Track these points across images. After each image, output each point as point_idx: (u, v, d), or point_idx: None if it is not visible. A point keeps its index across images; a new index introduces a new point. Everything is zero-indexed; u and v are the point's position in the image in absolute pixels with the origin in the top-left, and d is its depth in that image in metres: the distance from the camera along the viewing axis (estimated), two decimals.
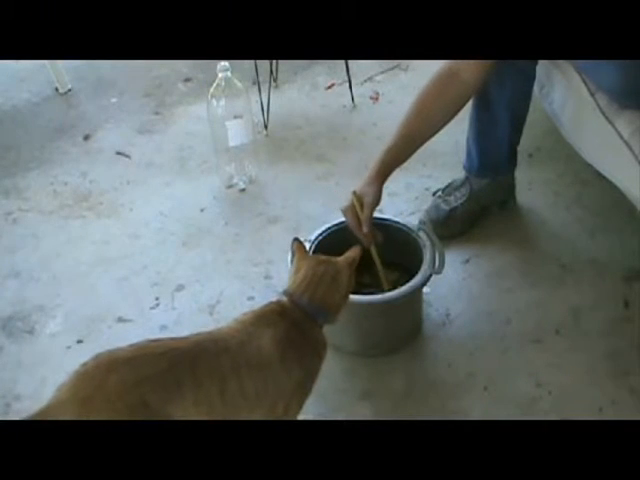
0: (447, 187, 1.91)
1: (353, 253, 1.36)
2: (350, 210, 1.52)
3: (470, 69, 1.50)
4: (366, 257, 1.56)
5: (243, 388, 1.16)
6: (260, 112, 2.24)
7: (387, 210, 1.78)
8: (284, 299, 1.30)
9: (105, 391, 1.08)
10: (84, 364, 1.12)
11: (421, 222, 1.82)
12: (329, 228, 1.62)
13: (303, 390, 1.26)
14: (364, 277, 1.61)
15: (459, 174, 1.90)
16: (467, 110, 1.74)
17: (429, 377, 1.55)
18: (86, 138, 2.32)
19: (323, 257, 1.37)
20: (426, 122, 1.55)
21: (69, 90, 2.53)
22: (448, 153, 2.05)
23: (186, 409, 1.12)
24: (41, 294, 1.78)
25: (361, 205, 1.51)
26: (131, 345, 1.16)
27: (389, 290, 1.53)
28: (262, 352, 1.20)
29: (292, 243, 1.39)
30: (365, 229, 1.51)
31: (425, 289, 1.59)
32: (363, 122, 2.29)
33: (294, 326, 1.26)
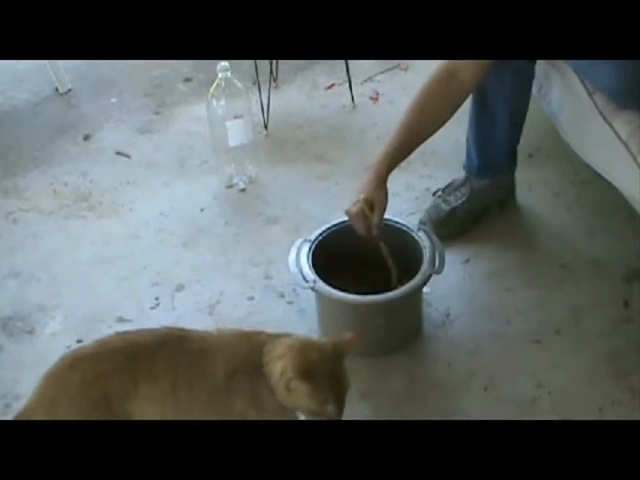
0: (447, 187, 1.91)
1: (350, 345, 1.21)
2: (359, 215, 1.52)
3: (468, 68, 1.51)
4: (375, 254, 1.58)
5: (192, 395, 1.16)
6: (260, 112, 2.24)
7: (387, 210, 1.77)
8: (281, 345, 1.17)
9: (68, 389, 1.11)
10: (53, 365, 1.13)
11: (421, 222, 1.82)
12: (329, 228, 1.63)
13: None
14: (376, 274, 1.62)
15: (459, 174, 1.90)
16: (467, 110, 1.74)
17: (429, 377, 1.55)
18: (86, 138, 2.31)
19: (323, 358, 1.16)
20: (426, 122, 1.56)
21: (69, 90, 2.52)
22: (448, 153, 2.05)
23: (141, 406, 1.12)
24: (41, 294, 1.78)
25: (370, 209, 1.51)
26: (96, 341, 1.17)
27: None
28: (213, 370, 1.17)
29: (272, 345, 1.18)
30: (375, 233, 1.53)
31: (425, 289, 1.59)
32: (363, 122, 2.29)
33: (256, 367, 1.17)
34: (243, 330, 1.25)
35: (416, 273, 1.52)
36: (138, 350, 1.15)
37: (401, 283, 1.56)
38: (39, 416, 1.11)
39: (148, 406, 1.13)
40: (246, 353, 1.20)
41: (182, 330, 1.22)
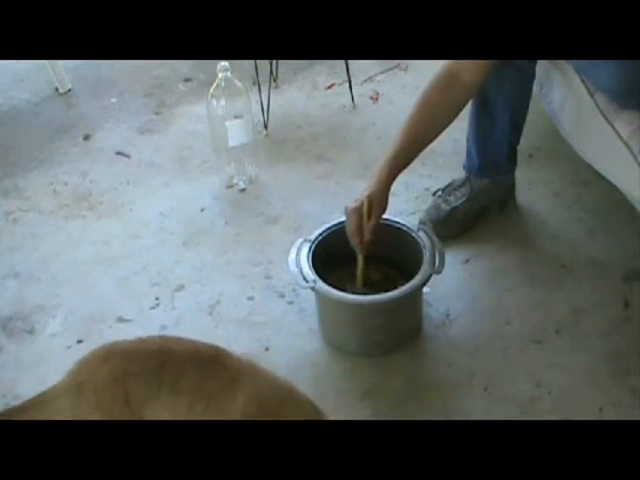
0: (447, 187, 1.91)
1: None
2: (357, 212, 1.51)
3: (470, 70, 1.50)
4: (374, 253, 1.58)
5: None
6: (260, 112, 2.24)
7: (387, 210, 1.77)
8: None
9: (95, 380, 1.11)
10: (90, 352, 1.15)
11: (421, 222, 1.82)
12: (329, 228, 1.63)
13: None
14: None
15: (459, 174, 1.90)
16: (467, 110, 1.74)
17: (429, 377, 1.55)
18: (86, 138, 2.32)
19: None
20: (430, 125, 1.55)
21: (69, 90, 2.52)
22: (448, 153, 2.05)
23: (158, 414, 1.12)
24: (41, 294, 1.78)
25: (369, 211, 1.51)
26: (138, 338, 1.17)
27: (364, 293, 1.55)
28: (230, 407, 1.14)
29: None
30: (367, 238, 1.51)
31: (425, 289, 1.59)
32: (363, 122, 2.29)
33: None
34: (286, 384, 1.20)
35: (416, 273, 1.52)
36: (170, 359, 1.14)
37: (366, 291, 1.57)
38: (63, 400, 1.13)
39: (164, 416, 1.12)
40: (270, 410, 1.16)
41: (221, 352, 1.18)
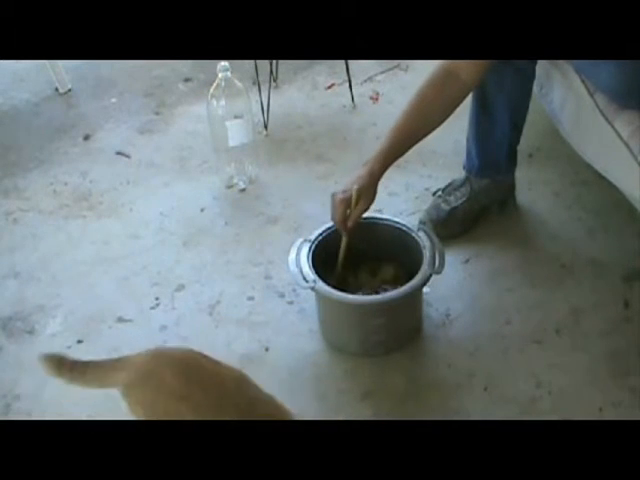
0: (447, 187, 1.91)
1: None
2: (345, 203, 1.52)
3: (468, 68, 1.50)
4: (373, 253, 1.61)
5: None
6: (260, 112, 2.24)
7: (387, 210, 1.78)
8: None
9: (162, 383, 1.11)
10: (171, 350, 1.18)
11: (421, 222, 1.82)
12: (329, 228, 1.62)
13: None
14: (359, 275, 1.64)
15: (459, 174, 1.90)
16: (467, 110, 1.74)
17: (429, 377, 1.55)
18: (86, 138, 2.31)
19: None
20: (424, 121, 1.56)
21: (69, 90, 2.52)
22: (448, 153, 2.05)
23: None
24: (41, 294, 1.78)
25: (356, 203, 1.52)
26: (218, 363, 1.17)
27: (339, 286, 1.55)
28: None
29: None
30: (350, 225, 1.54)
31: (425, 289, 1.59)
32: (363, 122, 2.29)
33: None
34: None
35: (416, 273, 1.52)
36: (228, 409, 1.12)
37: (345, 282, 1.60)
38: (127, 373, 1.14)
39: None
40: None
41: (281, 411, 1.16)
